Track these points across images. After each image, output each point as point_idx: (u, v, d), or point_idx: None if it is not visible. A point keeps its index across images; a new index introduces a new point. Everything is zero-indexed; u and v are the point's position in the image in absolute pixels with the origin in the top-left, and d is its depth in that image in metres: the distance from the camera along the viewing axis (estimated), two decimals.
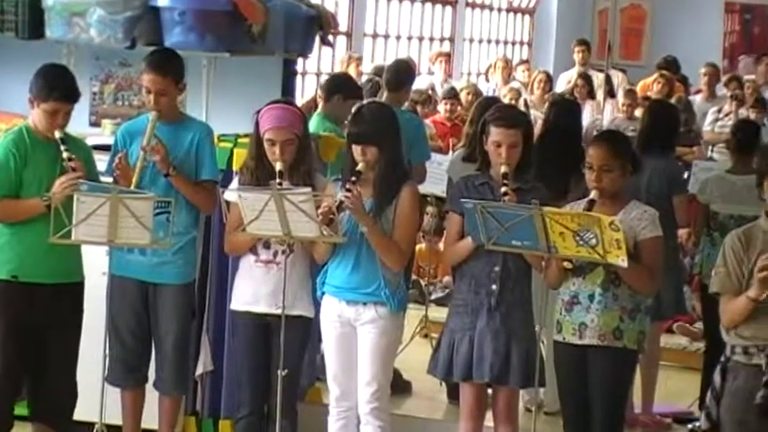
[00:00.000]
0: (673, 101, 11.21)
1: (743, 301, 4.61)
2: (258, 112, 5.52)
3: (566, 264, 5.11)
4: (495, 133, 5.39)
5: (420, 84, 11.34)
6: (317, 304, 5.53)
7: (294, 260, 5.43)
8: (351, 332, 5.42)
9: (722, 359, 4.79)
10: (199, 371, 6.22)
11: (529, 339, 5.39)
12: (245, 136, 5.85)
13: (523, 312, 5.45)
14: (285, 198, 5.15)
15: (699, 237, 7.42)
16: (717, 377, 4.77)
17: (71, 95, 5.48)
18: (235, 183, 5.61)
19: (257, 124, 5.50)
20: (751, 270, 4.64)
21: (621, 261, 4.93)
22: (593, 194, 5.18)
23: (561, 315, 5.31)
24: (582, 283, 5.25)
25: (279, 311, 5.38)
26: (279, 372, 5.35)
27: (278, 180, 5.31)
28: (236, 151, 6.15)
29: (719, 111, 11.76)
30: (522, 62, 14.06)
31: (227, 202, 5.38)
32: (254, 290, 5.54)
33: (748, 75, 14.18)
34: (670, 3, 16.08)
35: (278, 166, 5.38)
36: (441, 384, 6.49)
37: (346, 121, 6.25)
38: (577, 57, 13.23)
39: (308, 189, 5.28)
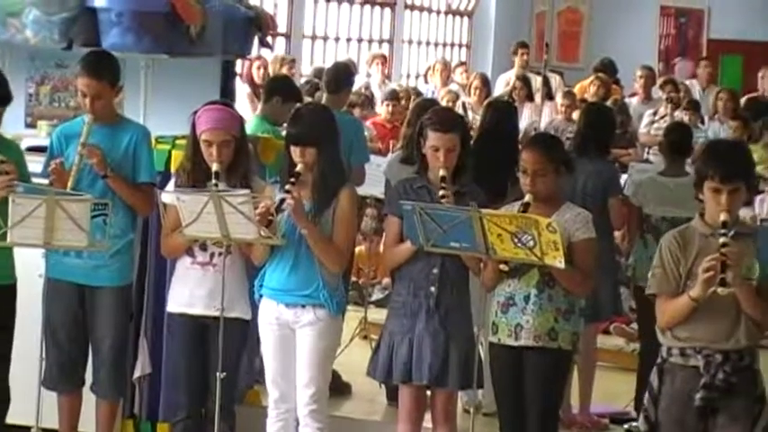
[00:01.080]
0: (609, 103, 11.30)
1: (684, 302, 4.65)
2: (195, 113, 5.50)
3: (502, 266, 5.14)
4: (432, 137, 5.41)
5: (358, 86, 11.34)
6: (254, 306, 5.51)
7: (231, 262, 5.42)
8: (289, 334, 5.42)
9: (659, 361, 4.83)
10: (136, 374, 6.19)
11: (467, 341, 5.42)
12: (184, 138, 5.83)
13: (462, 314, 5.47)
14: (224, 200, 5.14)
15: (633, 239, 7.48)
16: (654, 379, 4.81)
17: (2, 98, 5.43)
18: (171, 185, 5.58)
19: (194, 125, 5.48)
20: (688, 271, 4.69)
21: (559, 262, 4.96)
22: (527, 198, 5.21)
23: (497, 316, 5.34)
24: (517, 285, 5.28)
25: (216, 314, 5.37)
26: (217, 374, 5.34)
27: (213, 181, 5.30)
28: (174, 153, 6.12)
29: (655, 113, 11.86)
30: (461, 64, 14.10)
31: (165, 205, 5.36)
32: (190, 292, 5.52)
33: (683, 78, 14.34)
34: (606, 6, 16.22)
35: (214, 167, 5.36)
36: (380, 386, 6.50)
37: (285, 123, 6.24)
38: (518, 60, 13.29)
39: (247, 191, 5.27)
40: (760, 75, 13.21)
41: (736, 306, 4.61)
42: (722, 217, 4.59)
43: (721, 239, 4.53)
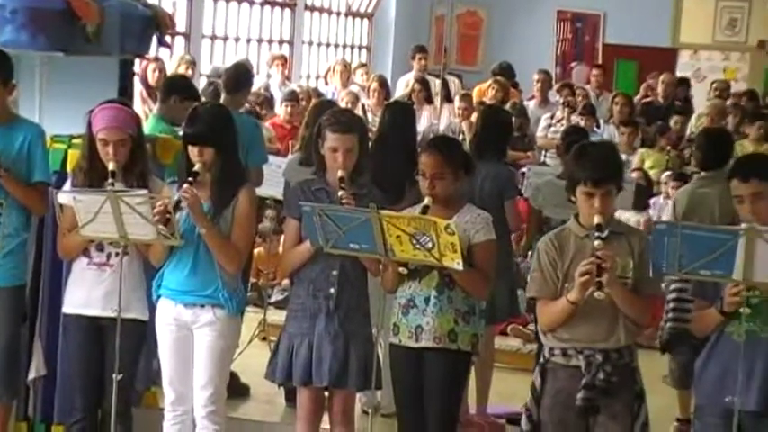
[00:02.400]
0: (508, 106, 11.40)
1: (562, 305, 4.73)
2: (91, 112, 5.44)
3: (401, 269, 5.15)
4: (330, 138, 5.41)
5: (258, 86, 11.30)
6: (151, 307, 5.46)
7: (128, 263, 5.37)
8: (187, 335, 5.38)
9: (541, 361, 4.91)
10: (31, 375, 6.09)
11: (366, 342, 5.43)
12: (80, 137, 5.75)
13: (361, 315, 5.48)
14: (121, 200, 5.09)
15: (531, 241, 7.55)
16: (536, 379, 4.89)
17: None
18: (68, 184, 5.51)
19: (90, 124, 5.42)
20: (566, 273, 4.77)
21: (457, 264, 4.99)
22: (426, 200, 5.24)
23: (398, 318, 5.35)
24: (418, 287, 5.30)
25: (112, 314, 5.32)
26: (113, 376, 5.28)
27: (110, 180, 5.25)
28: (70, 152, 6.05)
29: (552, 117, 12.01)
30: (361, 66, 14.12)
31: (61, 205, 5.29)
32: (86, 293, 5.45)
33: (580, 82, 14.53)
34: (505, 10, 16.35)
35: (110, 167, 5.31)
36: (278, 387, 6.48)
37: (183, 123, 6.19)
38: (417, 64, 13.34)
39: (145, 191, 5.23)
40: (650, 81, 13.48)
41: (615, 306, 4.70)
42: (596, 220, 4.69)
43: (595, 242, 4.62)
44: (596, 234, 4.64)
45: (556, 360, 4.84)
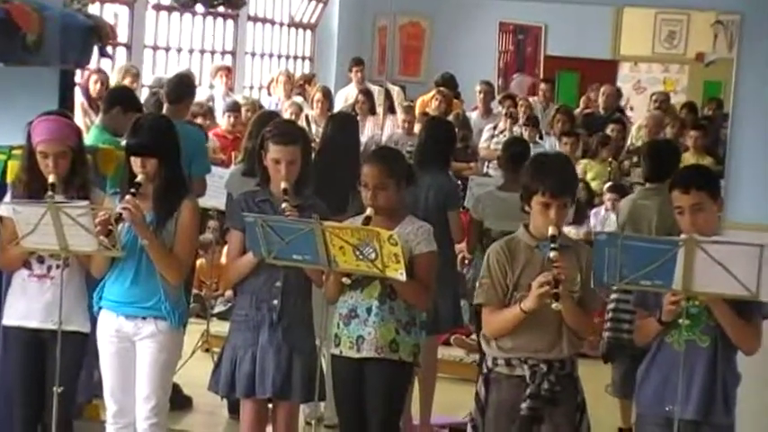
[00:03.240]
0: (450, 117, 11.43)
1: (514, 313, 4.74)
2: (30, 123, 5.39)
3: (344, 279, 5.15)
4: (273, 150, 5.40)
5: (201, 97, 11.25)
6: (93, 319, 5.42)
7: (69, 274, 5.33)
8: (129, 347, 5.34)
9: (484, 371, 4.92)
10: None
11: (310, 354, 5.42)
12: (20, 148, 5.70)
13: (305, 327, 5.47)
14: (62, 211, 5.04)
15: (472, 252, 7.57)
16: (480, 389, 4.91)
17: None
18: (8, 196, 5.45)
19: (29, 136, 5.37)
20: (515, 282, 4.79)
21: (400, 275, 5.00)
22: (368, 211, 5.23)
23: (339, 328, 5.35)
24: (360, 297, 5.29)
25: (53, 327, 5.27)
26: (54, 388, 5.23)
27: (50, 193, 5.20)
28: (10, 163, 5.99)
29: (495, 128, 12.05)
30: (308, 76, 14.10)
31: (1, 217, 5.23)
32: (27, 305, 5.40)
33: (521, 93, 14.61)
34: (447, 21, 16.40)
35: (50, 179, 5.27)
36: (221, 399, 6.45)
37: (125, 134, 6.15)
38: (354, 76, 13.34)
39: (86, 202, 5.20)
40: (591, 94, 13.59)
41: (560, 317, 4.73)
42: (551, 231, 4.70)
43: (552, 254, 4.64)
44: (552, 245, 4.65)
45: (499, 370, 4.85)
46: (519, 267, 4.80)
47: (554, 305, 4.59)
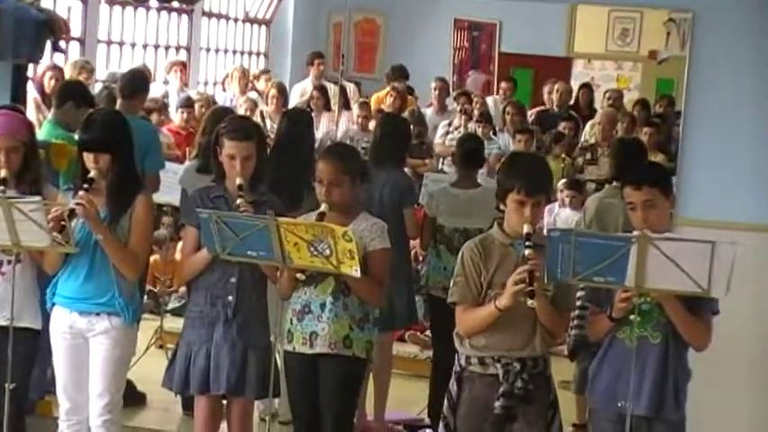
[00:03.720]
0: (406, 114, 11.44)
1: (489, 311, 4.73)
2: None
3: (299, 275, 5.15)
4: (228, 146, 5.39)
5: (155, 92, 11.19)
6: (45, 315, 5.38)
7: (21, 270, 5.29)
8: (82, 344, 5.32)
9: (457, 369, 4.91)
10: None
11: (265, 350, 5.42)
12: None
13: (260, 323, 5.47)
14: (14, 207, 5.01)
15: (426, 248, 7.58)
16: (453, 386, 4.89)
17: None
18: None
19: None
20: (489, 281, 4.79)
21: (355, 271, 5.00)
22: (323, 207, 5.23)
23: (292, 324, 5.34)
24: (313, 293, 5.29)
25: (4, 323, 5.23)
26: (6, 385, 5.19)
27: (1, 188, 5.17)
28: None
29: (449, 124, 12.06)
30: (263, 72, 14.05)
31: None
32: None
33: (476, 90, 14.63)
34: (402, 18, 16.39)
35: (2, 174, 5.24)
36: (175, 395, 6.43)
37: (78, 129, 6.11)
38: (314, 70, 13.31)
39: (39, 198, 5.16)
40: (546, 89, 13.60)
41: (533, 315, 4.73)
42: (526, 229, 4.69)
43: (527, 251, 4.63)
44: (527, 243, 4.65)
45: (473, 369, 4.85)
46: (493, 266, 4.80)
47: (529, 302, 4.57)
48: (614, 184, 7.23)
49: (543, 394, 4.85)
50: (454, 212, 7.25)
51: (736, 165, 6.79)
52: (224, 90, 13.50)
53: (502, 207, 4.83)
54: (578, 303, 6.83)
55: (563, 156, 11.62)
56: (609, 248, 4.53)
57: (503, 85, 14.27)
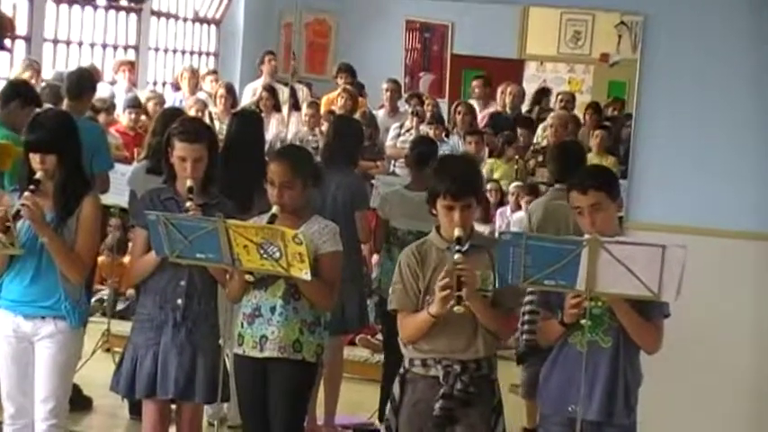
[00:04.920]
0: (357, 115, 11.45)
1: (423, 318, 4.73)
2: None
3: (247, 277, 5.13)
4: (179, 148, 5.39)
5: (103, 92, 11.12)
6: None
7: None
8: (27, 347, 5.28)
9: (401, 371, 4.92)
10: None
11: (214, 353, 5.42)
12: None
13: (209, 326, 5.46)
14: None
15: (378, 251, 7.59)
16: (396, 389, 4.90)
17: None
18: None
19: None
20: (427, 286, 4.80)
21: (305, 274, 4.99)
22: (274, 209, 5.22)
23: (242, 328, 5.33)
24: (263, 296, 5.28)
25: None
26: None
27: None
28: None
29: (401, 126, 12.08)
30: (210, 72, 14.01)
31: None
32: None
33: (427, 91, 14.65)
34: (354, 18, 16.39)
35: None
36: (122, 400, 6.40)
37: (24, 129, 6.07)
38: (266, 67, 13.29)
39: None
40: (500, 90, 13.63)
41: (474, 318, 4.74)
42: (456, 233, 4.71)
43: (456, 256, 4.64)
44: (456, 248, 4.65)
45: (415, 371, 4.85)
46: (430, 271, 4.80)
47: (456, 308, 4.57)
48: (557, 186, 7.26)
49: (486, 397, 4.85)
50: (408, 215, 7.26)
51: (687, 168, 6.85)
52: (174, 90, 13.44)
53: (434, 212, 4.83)
54: (526, 308, 6.90)
55: (516, 158, 11.67)
56: (560, 252, 4.56)
57: (473, 83, 14.24)
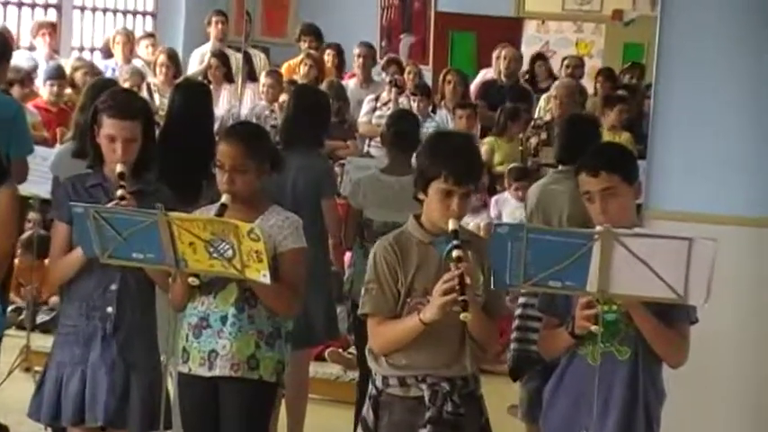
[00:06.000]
0: (323, 86, 11.44)
1: (411, 324, 4.70)
2: None
3: (191, 280, 5.11)
4: (108, 125, 5.37)
5: (19, 60, 11.08)
6: None
7: None
8: None
9: (373, 392, 4.91)
10: None
11: (152, 373, 5.42)
12: None
13: (146, 340, 5.47)
14: None
15: (350, 247, 7.58)
16: (368, 414, 4.89)
17: None
18: None
19: None
20: (408, 286, 4.78)
21: (263, 276, 4.97)
22: (224, 198, 5.21)
23: (187, 341, 5.32)
24: (212, 303, 5.28)
25: None
26: None
27: None
28: None
29: (377, 99, 12.07)
30: (147, 36, 13.98)
31: None
32: None
33: (409, 57, 14.66)
34: None
35: None
36: (45, 429, 6.39)
37: None
38: (213, 31, 13.26)
39: None
40: (495, 55, 13.61)
41: (461, 328, 4.72)
42: (451, 225, 4.67)
43: (455, 252, 4.59)
44: (454, 242, 4.63)
45: (391, 391, 4.84)
46: (412, 268, 4.78)
47: (462, 315, 4.52)
48: (560, 168, 7.27)
49: (474, 418, 4.86)
50: (384, 204, 7.26)
51: (717, 147, 6.84)
52: (104, 58, 13.40)
53: (421, 197, 4.81)
54: (518, 312, 6.91)
55: (521, 136, 11.64)
56: (567, 247, 4.54)
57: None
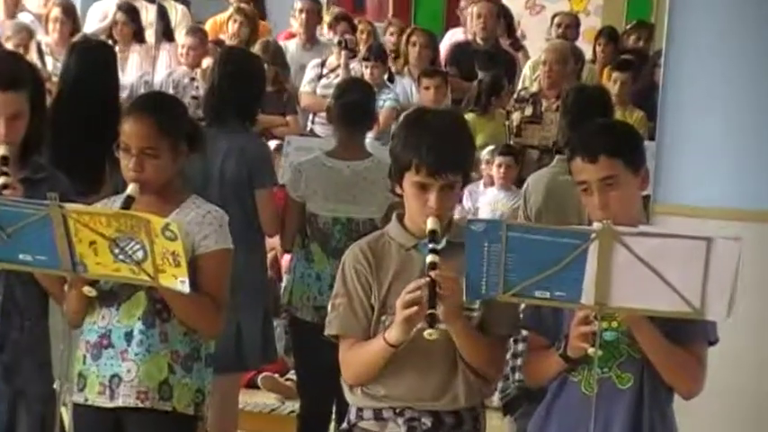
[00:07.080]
0: (257, 48, 11.43)
1: (378, 347, 4.72)
2: None
3: (86, 289, 5.09)
4: None
5: None
6: None
7: None
8: None
9: (344, 426, 4.93)
10: None
11: (44, 402, 5.41)
12: None
13: (37, 362, 5.47)
14: None
15: (290, 250, 7.57)
16: None
17: None
18: None
19: None
20: (384, 302, 4.78)
21: (180, 283, 4.96)
22: (130, 188, 5.19)
23: (84, 364, 5.31)
24: (115, 316, 5.26)
25: None
26: None
27: None
28: None
29: (323, 64, 12.09)
30: None
31: None
32: None
33: (371, 15, 14.68)
34: None
35: None
36: None
37: None
38: None
39: None
40: (467, 10, 13.60)
41: (452, 349, 4.74)
42: (429, 224, 4.67)
43: (429, 257, 4.60)
44: (430, 246, 4.62)
45: (365, 426, 4.86)
46: (388, 278, 4.80)
47: (427, 333, 4.51)
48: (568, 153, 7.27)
49: None
50: (332, 195, 7.27)
51: (741, 130, 6.88)
52: None
53: (398, 191, 4.82)
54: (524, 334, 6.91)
55: (505, 112, 11.64)
56: (558, 248, 4.54)
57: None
